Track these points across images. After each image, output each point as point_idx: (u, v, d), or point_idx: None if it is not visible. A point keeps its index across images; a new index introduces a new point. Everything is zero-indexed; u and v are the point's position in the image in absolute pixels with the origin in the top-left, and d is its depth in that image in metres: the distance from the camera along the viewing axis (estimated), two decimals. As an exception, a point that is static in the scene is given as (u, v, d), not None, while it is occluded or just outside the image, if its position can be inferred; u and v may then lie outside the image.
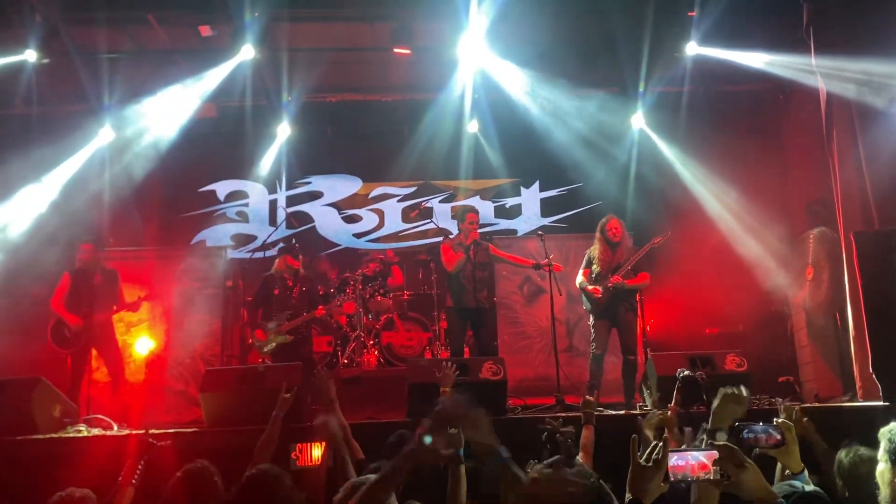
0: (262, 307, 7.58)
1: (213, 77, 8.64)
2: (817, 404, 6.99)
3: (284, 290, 7.54)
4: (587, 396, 4.93)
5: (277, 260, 7.74)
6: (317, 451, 5.45)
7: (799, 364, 8.25)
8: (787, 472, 2.86)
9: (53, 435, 6.00)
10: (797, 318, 8.42)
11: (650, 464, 2.20)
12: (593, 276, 7.32)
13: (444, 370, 5.14)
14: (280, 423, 4.28)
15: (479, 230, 7.54)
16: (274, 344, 7.33)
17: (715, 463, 2.27)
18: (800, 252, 8.29)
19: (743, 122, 9.47)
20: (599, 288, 7.19)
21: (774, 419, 2.62)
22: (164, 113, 8.87)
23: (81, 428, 6.39)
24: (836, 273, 7.19)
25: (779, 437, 2.52)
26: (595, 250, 7.39)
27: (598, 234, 7.43)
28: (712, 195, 9.03)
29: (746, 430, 2.51)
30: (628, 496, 2.18)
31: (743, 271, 8.73)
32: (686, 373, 3.74)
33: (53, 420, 6.18)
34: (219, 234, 10.09)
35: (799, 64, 7.59)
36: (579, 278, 7.41)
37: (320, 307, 7.43)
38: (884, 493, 2.84)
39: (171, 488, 3.26)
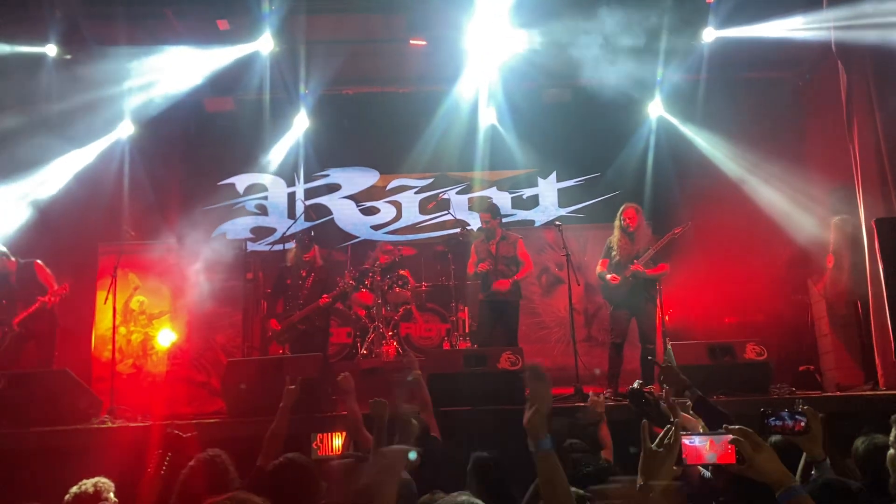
0: (280, 298, 7.64)
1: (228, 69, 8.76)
2: (839, 393, 6.95)
3: (297, 280, 7.60)
4: (593, 396, 4.96)
5: (292, 253, 7.80)
6: (337, 441, 5.52)
7: (820, 353, 8.17)
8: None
9: (78, 426, 6.12)
10: (817, 307, 8.35)
11: (661, 449, 2.21)
12: (612, 264, 7.32)
13: (406, 356, 5.20)
14: (287, 414, 4.31)
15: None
16: (287, 334, 7.38)
17: (730, 445, 2.28)
18: (821, 240, 8.20)
19: (762, 110, 9.38)
20: (618, 276, 7.19)
21: (799, 405, 2.62)
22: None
23: (105, 419, 6.51)
24: (857, 261, 7.12)
25: (804, 423, 2.52)
26: (614, 239, 7.39)
27: (616, 223, 7.43)
28: (745, 171, 8.93)
29: (773, 418, 2.51)
30: (640, 481, 2.19)
31: (763, 260, 8.69)
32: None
33: (78, 411, 6.29)
34: (238, 227, 10.17)
35: (819, 22, 7.40)
36: (598, 268, 7.42)
37: (324, 296, 7.46)
38: (894, 478, 2.83)
39: (185, 476, 3.30)
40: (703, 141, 9.31)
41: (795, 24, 7.73)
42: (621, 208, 7.45)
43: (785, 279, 8.71)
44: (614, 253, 7.32)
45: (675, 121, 9.50)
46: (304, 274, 7.60)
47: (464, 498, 1.73)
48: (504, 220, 10.01)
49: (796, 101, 9.49)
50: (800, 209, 8.38)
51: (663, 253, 7.29)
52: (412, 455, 3.02)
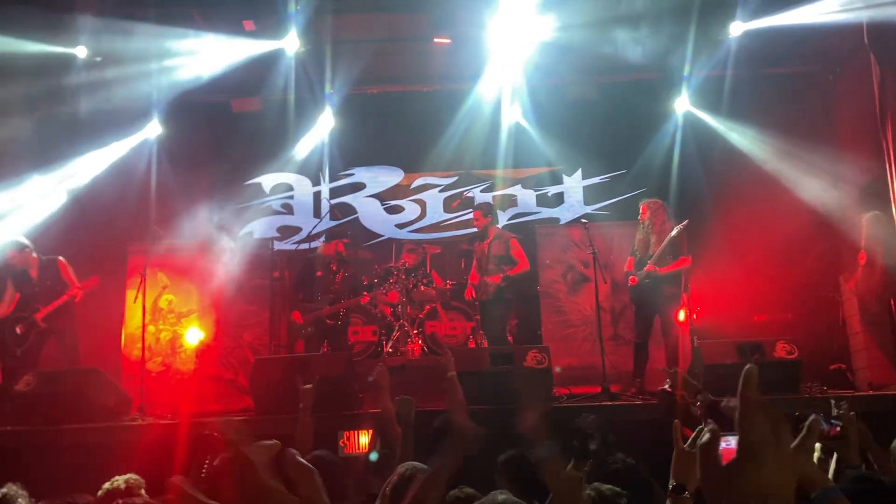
0: (303, 289, 7.65)
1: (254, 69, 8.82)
2: (871, 392, 6.84)
3: (328, 273, 7.62)
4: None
5: (325, 244, 7.83)
6: (364, 439, 5.54)
7: (852, 351, 8.05)
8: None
9: (108, 423, 6.21)
10: (849, 305, 8.22)
11: (694, 449, 2.19)
12: (636, 262, 7.30)
13: (446, 354, 5.17)
14: (308, 413, 4.32)
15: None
16: (311, 327, 7.41)
17: None
18: (852, 237, 8.07)
19: (791, 106, 9.24)
20: (636, 277, 7.19)
21: (834, 409, 2.58)
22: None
23: (135, 416, 6.60)
24: (890, 257, 7.00)
25: (839, 428, 2.49)
26: (637, 237, 7.39)
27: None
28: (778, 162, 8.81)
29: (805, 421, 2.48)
30: (672, 482, 2.16)
31: (793, 256, 8.57)
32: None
33: (108, 409, 6.38)
34: (265, 226, 10.24)
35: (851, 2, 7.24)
36: (626, 266, 7.43)
37: (365, 294, 7.49)
38: None
39: (208, 475, 3.32)
40: (735, 132, 9.16)
41: (828, 7, 7.56)
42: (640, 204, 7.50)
43: (815, 276, 8.58)
44: (636, 250, 7.32)
45: (703, 114, 9.39)
46: (334, 268, 7.62)
47: (503, 497, 1.73)
48: (529, 217, 10.09)
49: (826, 96, 9.33)
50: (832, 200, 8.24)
51: (681, 246, 7.24)
52: (373, 456, 3.04)
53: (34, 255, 7.48)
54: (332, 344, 7.57)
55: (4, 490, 3.15)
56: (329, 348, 7.51)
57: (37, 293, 7.36)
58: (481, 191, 10.27)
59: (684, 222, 7.22)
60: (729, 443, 2.22)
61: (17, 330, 7.20)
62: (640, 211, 7.44)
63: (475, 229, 8.30)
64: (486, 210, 7.95)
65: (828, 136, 9.12)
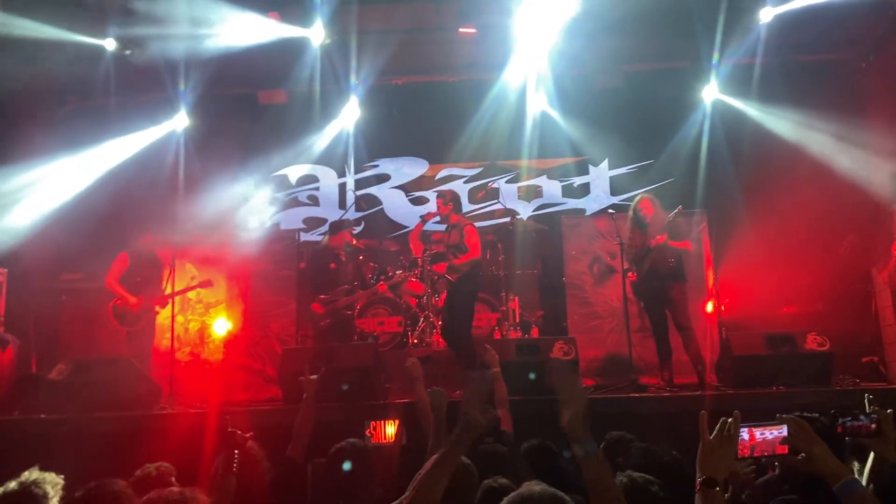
0: (317, 281, 7.69)
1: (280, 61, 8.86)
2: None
3: (339, 265, 7.67)
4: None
5: (332, 236, 7.85)
6: (390, 429, 5.56)
7: (884, 344, 7.89)
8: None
9: (139, 412, 6.29)
10: (882, 296, 8.06)
11: (721, 441, 2.17)
12: (632, 260, 7.29)
13: (489, 351, 5.16)
14: (312, 404, 4.33)
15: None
16: (329, 319, 7.45)
17: (785, 440, 2.28)
18: (885, 228, 7.93)
19: (822, 94, 9.07)
20: (635, 273, 7.16)
21: (868, 403, 2.53)
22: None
23: (165, 406, 6.68)
24: (924, 249, 6.86)
25: (874, 425, 2.44)
26: (629, 233, 7.35)
27: (629, 216, 7.46)
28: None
29: (848, 418, 2.45)
30: (700, 476, 2.14)
31: (823, 247, 8.44)
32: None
33: (139, 398, 6.46)
34: (291, 218, 10.31)
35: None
36: (625, 265, 7.42)
37: (382, 282, 7.52)
38: None
39: (216, 470, 3.36)
40: (770, 115, 8.99)
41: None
42: (635, 200, 7.41)
43: (846, 267, 8.43)
44: (629, 248, 7.26)
45: (733, 101, 9.24)
46: (343, 258, 7.67)
47: (539, 488, 1.73)
48: (555, 209, 10.03)
49: (858, 84, 9.14)
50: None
51: (679, 231, 7.19)
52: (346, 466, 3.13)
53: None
54: (348, 335, 7.59)
55: (33, 475, 3.21)
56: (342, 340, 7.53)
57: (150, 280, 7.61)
58: (506, 181, 10.23)
59: (678, 207, 7.14)
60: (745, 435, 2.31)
61: None
62: (643, 205, 7.28)
63: (502, 220, 8.26)
64: (448, 198, 7.79)
65: (859, 124, 8.94)
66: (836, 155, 8.35)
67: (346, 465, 3.40)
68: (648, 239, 7.10)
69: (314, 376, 4.44)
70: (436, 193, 8.10)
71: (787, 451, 2.28)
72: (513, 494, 1.77)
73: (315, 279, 7.76)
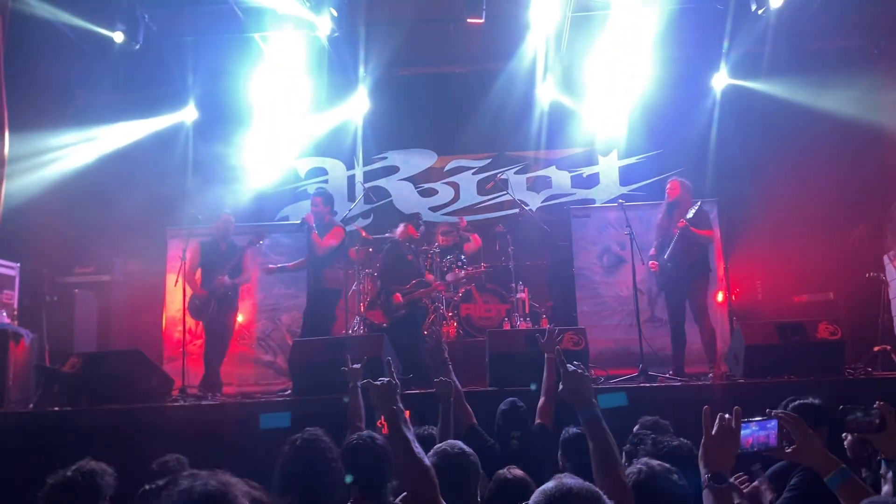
0: (388, 273, 7.74)
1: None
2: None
3: (415, 257, 7.81)
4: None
5: (401, 229, 7.88)
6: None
7: (896, 333, 7.87)
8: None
9: (151, 404, 6.33)
10: (894, 285, 8.02)
11: (724, 436, 2.18)
12: (658, 247, 7.26)
13: (550, 336, 5.01)
14: (357, 392, 4.36)
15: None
16: (404, 310, 7.50)
17: (779, 433, 2.32)
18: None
19: (832, 82, 8.97)
20: (656, 262, 7.12)
21: (844, 414, 2.53)
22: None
23: (177, 398, 6.72)
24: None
25: (878, 420, 2.43)
26: (658, 219, 7.34)
27: None
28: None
29: (857, 413, 2.45)
30: (706, 472, 2.14)
31: (834, 236, 8.39)
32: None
33: (151, 390, 6.51)
34: (301, 210, 10.29)
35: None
36: (651, 251, 7.37)
37: (438, 283, 7.71)
38: None
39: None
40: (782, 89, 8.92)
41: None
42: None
43: (858, 256, 8.38)
44: (657, 234, 7.27)
45: (745, 83, 9.16)
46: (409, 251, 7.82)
47: (573, 482, 1.72)
48: (564, 199, 10.00)
49: (869, 72, 9.04)
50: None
51: (705, 221, 7.17)
52: None
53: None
54: (412, 324, 7.59)
55: (91, 465, 3.27)
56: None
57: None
58: (515, 172, 10.20)
59: (697, 203, 7.13)
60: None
61: None
62: (671, 186, 7.30)
63: (511, 211, 8.23)
64: (326, 198, 7.89)
65: (870, 113, 8.86)
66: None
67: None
68: (673, 224, 7.09)
69: (357, 365, 4.45)
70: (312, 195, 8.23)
71: (780, 445, 2.31)
72: (549, 489, 1.74)
73: (390, 271, 7.77)
